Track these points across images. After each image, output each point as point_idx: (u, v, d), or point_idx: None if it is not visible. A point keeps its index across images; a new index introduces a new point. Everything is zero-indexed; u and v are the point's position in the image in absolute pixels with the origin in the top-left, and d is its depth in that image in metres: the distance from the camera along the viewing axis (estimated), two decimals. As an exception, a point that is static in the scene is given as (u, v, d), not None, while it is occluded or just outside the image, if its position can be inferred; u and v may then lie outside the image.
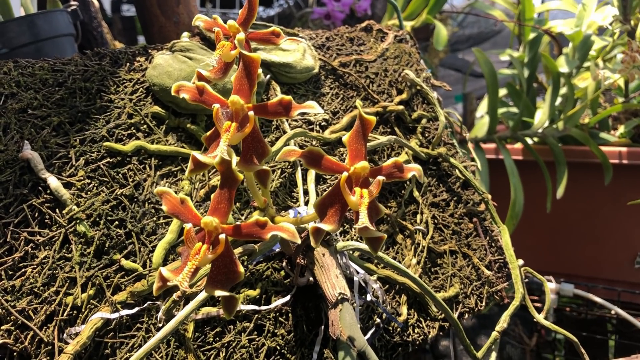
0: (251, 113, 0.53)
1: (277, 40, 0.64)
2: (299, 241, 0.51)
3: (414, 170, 0.55)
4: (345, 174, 0.52)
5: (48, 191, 0.67)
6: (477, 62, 1.75)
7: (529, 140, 1.48)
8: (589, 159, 1.34)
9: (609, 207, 1.37)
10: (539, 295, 1.34)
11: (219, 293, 0.50)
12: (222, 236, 0.50)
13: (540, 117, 1.44)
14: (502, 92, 1.62)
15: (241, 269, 0.51)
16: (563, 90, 1.43)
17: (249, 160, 0.55)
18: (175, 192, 0.53)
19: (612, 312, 1.23)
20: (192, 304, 0.61)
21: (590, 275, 1.42)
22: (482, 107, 1.74)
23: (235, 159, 0.51)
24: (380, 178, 0.52)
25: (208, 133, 0.56)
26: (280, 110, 0.54)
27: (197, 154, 0.53)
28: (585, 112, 1.45)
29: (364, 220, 0.50)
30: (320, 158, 0.54)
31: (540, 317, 0.83)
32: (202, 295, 0.62)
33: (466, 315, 0.86)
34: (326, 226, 0.53)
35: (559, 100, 1.44)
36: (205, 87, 0.55)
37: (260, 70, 0.57)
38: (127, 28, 2.00)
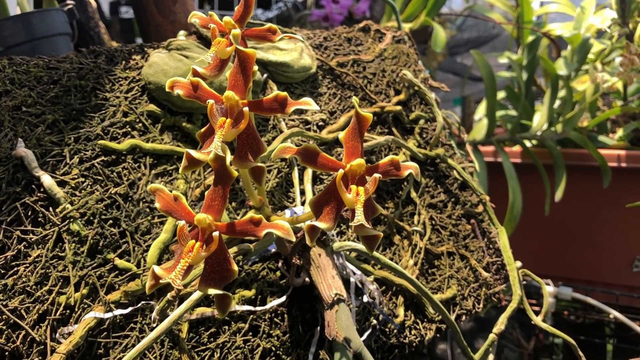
0: (246, 109, 0.52)
1: (273, 37, 0.63)
2: (293, 239, 0.51)
3: (410, 168, 0.54)
4: (341, 171, 0.52)
5: (42, 189, 0.66)
6: (475, 65, 1.75)
7: (528, 143, 1.47)
8: (588, 162, 1.34)
9: (608, 211, 1.37)
10: (537, 298, 1.34)
11: (212, 291, 0.50)
12: (216, 233, 0.49)
13: (539, 120, 1.44)
14: (501, 94, 1.62)
15: (235, 267, 0.51)
16: (561, 93, 1.43)
17: (243, 157, 0.54)
18: (170, 191, 0.53)
19: (611, 315, 1.23)
20: (186, 303, 0.60)
21: (589, 279, 1.41)
22: (481, 110, 1.74)
23: (229, 156, 0.50)
24: (377, 175, 0.51)
25: (202, 130, 0.56)
26: (275, 106, 0.54)
27: (191, 150, 0.52)
28: (584, 115, 1.44)
29: (359, 217, 0.50)
30: (316, 155, 0.53)
31: (538, 320, 0.82)
32: (196, 294, 0.61)
33: (463, 317, 0.85)
34: (322, 224, 0.53)
35: (557, 103, 1.44)
36: (199, 83, 0.55)
37: (256, 69, 0.57)
38: (126, 30, 2.00)
